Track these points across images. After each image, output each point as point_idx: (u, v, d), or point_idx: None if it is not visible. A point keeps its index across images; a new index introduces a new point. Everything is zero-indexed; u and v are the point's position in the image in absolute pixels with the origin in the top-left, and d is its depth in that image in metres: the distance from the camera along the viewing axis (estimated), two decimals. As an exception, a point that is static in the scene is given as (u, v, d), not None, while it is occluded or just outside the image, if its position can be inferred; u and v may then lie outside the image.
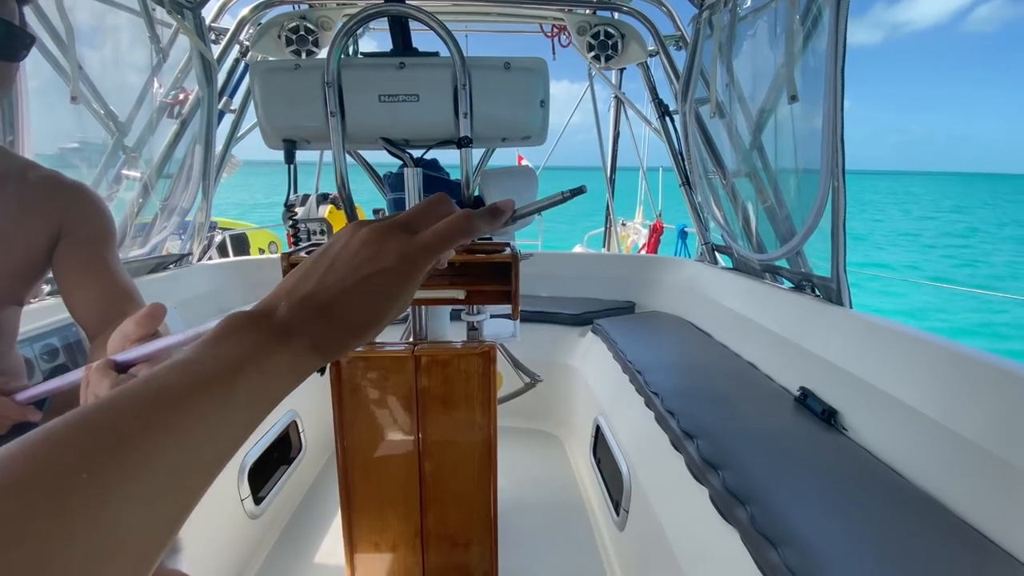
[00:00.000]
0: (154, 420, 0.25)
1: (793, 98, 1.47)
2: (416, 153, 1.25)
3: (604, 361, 1.96)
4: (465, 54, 1.12)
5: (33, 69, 1.61)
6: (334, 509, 1.34)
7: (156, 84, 2.08)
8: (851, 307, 1.45)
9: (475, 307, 1.30)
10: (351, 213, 1.27)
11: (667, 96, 2.42)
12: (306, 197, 4.03)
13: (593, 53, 2.32)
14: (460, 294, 1.13)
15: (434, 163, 1.31)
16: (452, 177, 1.32)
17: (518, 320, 1.48)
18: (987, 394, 0.97)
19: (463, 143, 1.15)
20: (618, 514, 1.49)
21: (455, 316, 1.37)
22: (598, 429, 1.80)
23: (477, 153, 1.41)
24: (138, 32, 1.97)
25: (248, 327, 0.33)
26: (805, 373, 1.45)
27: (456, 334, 1.38)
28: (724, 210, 2.12)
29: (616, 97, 3.73)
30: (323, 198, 4.12)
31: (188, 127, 2.16)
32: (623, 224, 4.99)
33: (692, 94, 2.11)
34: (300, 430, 1.86)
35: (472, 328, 1.29)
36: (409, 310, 1.35)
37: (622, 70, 3.63)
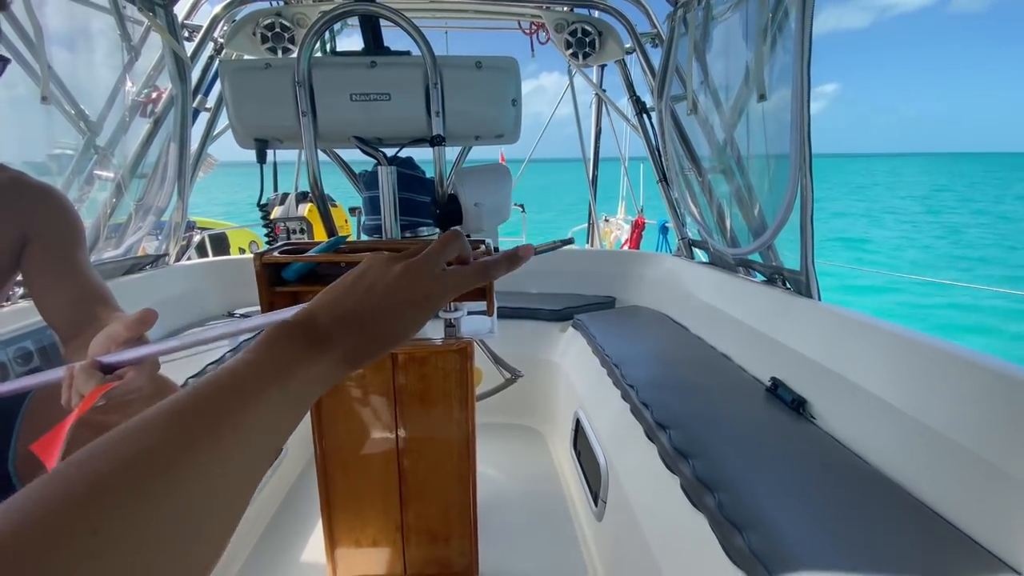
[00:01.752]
0: (235, 408, 0.31)
1: (762, 97, 1.50)
2: (390, 152, 1.25)
3: (584, 355, 1.98)
4: (446, 52, 1.13)
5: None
6: (315, 507, 1.35)
7: (128, 83, 2.05)
8: (819, 299, 1.49)
9: (452, 304, 1.31)
10: (324, 211, 1.28)
11: (645, 93, 2.44)
12: (285, 196, 4.00)
13: (571, 51, 2.33)
14: (435, 291, 1.14)
15: (409, 161, 1.31)
16: (428, 175, 1.33)
17: (495, 316, 1.49)
18: (952, 384, 1.00)
19: (436, 141, 1.16)
20: (596, 505, 1.52)
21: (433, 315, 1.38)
22: (578, 422, 1.83)
23: (452, 151, 1.42)
24: (108, 30, 1.94)
25: (295, 335, 0.38)
26: (776, 364, 1.49)
27: (434, 332, 1.39)
28: (700, 206, 2.16)
29: (596, 95, 3.75)
30: (302, 196, 4.09)
31: (162, 126, 2.13)
32: (606, 220, 5.02)
33: (668, 91, 2.13)
34: None
35: (449, 325, 1.30)
36: None
37: (603, 67, 3.66)
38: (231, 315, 2.29)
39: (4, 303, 1.65)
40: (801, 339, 1.43)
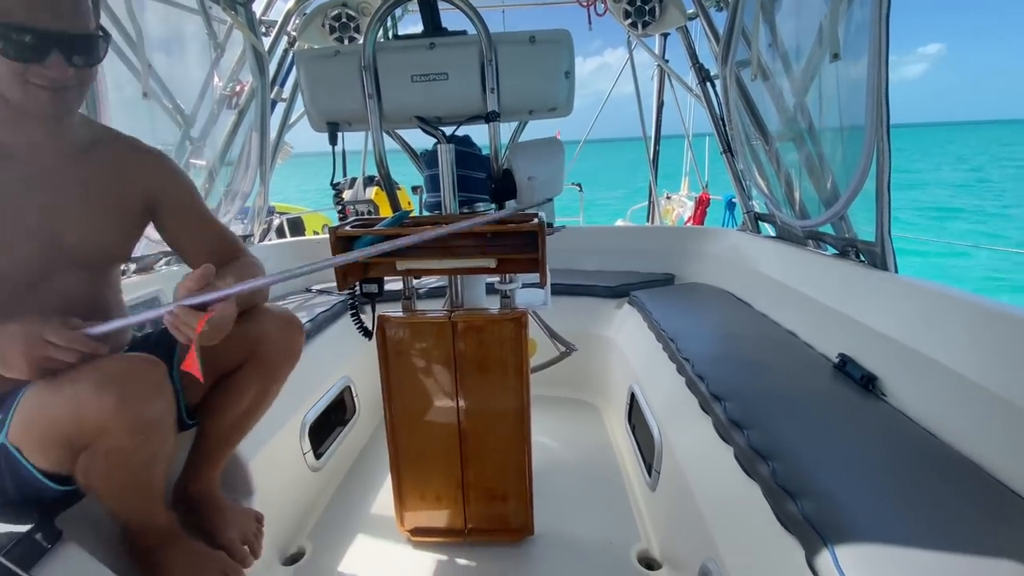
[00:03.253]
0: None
1: (835, 56, 1.41)
2: (448, 130, 1.31)
3: (639, 331, 1.98)
4: (502, 30, 1.16)
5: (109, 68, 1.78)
6: (385, 465, 1.46)
7: (215, 78, 2.25)
8: (896, 271, 1.41)
9: (507, 276, 1.36)
10: (389, 189, 1.36)
11: (709, 61, 2.34)
12: (354, 180, 4.22)
13: (630, 20, 2.28)
14: (491, 263, 1.19)
15: (466, 139, 1.37)
16: (484, 152, 1.38)
17: (548, 288, 1.53)
18: None
19: (490, 117, 1.20)
20: (650, 475, 1.54)
21: (490, 290, 1.44)
22: (632, 396, 1.84)
23: (508, 128, 1.46)
24: (198, 31, 2.13)
25: None
26: (845, 340, 1.42)
27: (491, 305, 1.45)
28: (767, 176, 2.06)
29: (659, 65, 3.62)
30: (369, 180, 4.30)
31: (245, 117, 2.32)
32: (667, 197, 4.87)
33: (733, 56, 2.04)
34: (354, 395, 2.01)
35: (504, 296, 1.36)
36: (447, 280, 1.43)
37: (665, 36, 3.52)
38: (309, 291, 2.48)
39: (151, 269, 1.89)
40: (874, 314, 1.36)
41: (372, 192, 4.25)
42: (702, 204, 4.25)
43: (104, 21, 1.66)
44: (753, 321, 1.81)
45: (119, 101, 1.86)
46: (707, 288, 2.27)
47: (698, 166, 4.61)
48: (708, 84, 2.34)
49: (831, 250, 1.73)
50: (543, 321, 1.87)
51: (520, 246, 1.18)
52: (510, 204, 1.42)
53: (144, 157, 1.06)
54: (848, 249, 1.60)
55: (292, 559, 1.43)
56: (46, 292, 0.94)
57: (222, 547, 1.11)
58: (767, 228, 2.32)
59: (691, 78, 2.51)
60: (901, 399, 1.20)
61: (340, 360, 2.01)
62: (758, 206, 2.38)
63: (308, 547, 1.47)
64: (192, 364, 0.75)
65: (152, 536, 1.00)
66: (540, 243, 1.12)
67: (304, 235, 5.25)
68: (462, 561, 1.41)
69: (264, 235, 2.73)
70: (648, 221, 4.18)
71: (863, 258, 1.54)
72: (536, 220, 1.13)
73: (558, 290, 2.26)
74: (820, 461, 0.98)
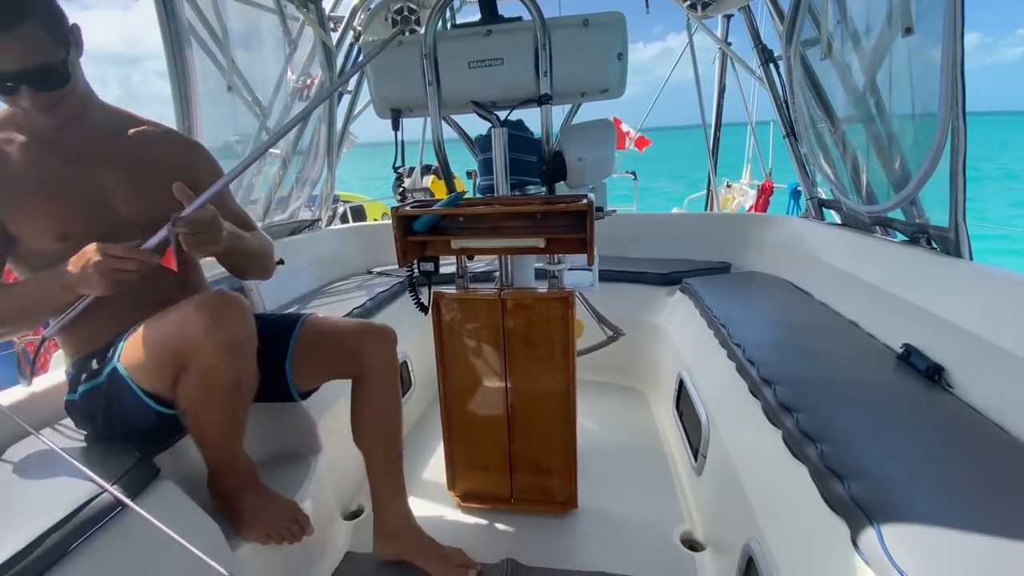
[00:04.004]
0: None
1: (908, 31, 1.34)
2: (502, 114, 1.36)
3: (691, 319, 1.96)
4: (559, 13, 1.20)
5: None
6: (438, 434, 1.55)
7: (289, 72, 2.41)
8: (971, 258, 1.32)
9: (556, 257, 1.40)
10: (446, 170, 1.43)
11: (773, 42, 2.26)
12: (411, 169, 4.38)
13: (689, 2, 2.23)
14: (540, 243, 1.24)
15: (519, 123, 1.41)
16: (536, 136, 1.42)
17: (596, 270, 1.56)
18: None
19: (543, 100, 1.24)
20: (696, 460, 1.54)
21: (539, 274, 1.49)
22: (681, 383, 1.83)
23: (561, 112, 1.49)
24: (272, 26, 2.30)
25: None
26: (911, 329, 1.36)
27: (540, 287, 1.50)
28: (832, 161, 1.97)
29: (721, 48, 3.50)
30: (426, 169, 4.45)
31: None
32: (728, 185, 4.70)
33: (798, 35, 1.96)
34: (410, 369, 2.13)
35: (552, 277, 1.40)
36: (498, 260, 1.49)
37: (728, 18, 3.40)
38: (369, 272, 2.63)
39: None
40: (945, 303, 1.29)
41: (428, 180, 4.41)
42: (765, 192, 4.08)
43: (192, 20, 1.83)
44: (812, 310, 1.75)
45: (205, 94, 2.04)
46: (764, 277, 2.20)
47: (761, 153, 4.42)
48: (771, 66, 2.25)
49: (900, 237, 1.64)
50: (591, 305, 1.90)
51: (569, 226, 1.22)
52: (560, 187, 1.45)
53: (180, 142, 1.20)
54: (919, 235, 1.52)
55: (352, 515, 1.56)
56: None
57: None
58: (832, 215, 2.22)
59: (754, 60, 2.42)
60: (969, 391, 1.14)
61: (397, 337, 2.12)
62: (823, 193, 2.28)
63: (367, 505, 1.59)
64: (169, 259, 0.92)
65: (232, 479, 1.13)
66: (588, 223, 1.15)
67: (365, 221, 5.52)
68: (508, 527, 1.48)
69: (330, 221, 2.91)
70: (706, 210, 4.06)
71: (935, 245, 1.46)
72: (585, 200, 1.16)
73: (608, 276, 2.27)
74: (873, 446, 0.96)
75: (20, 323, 1.03)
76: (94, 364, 1.05)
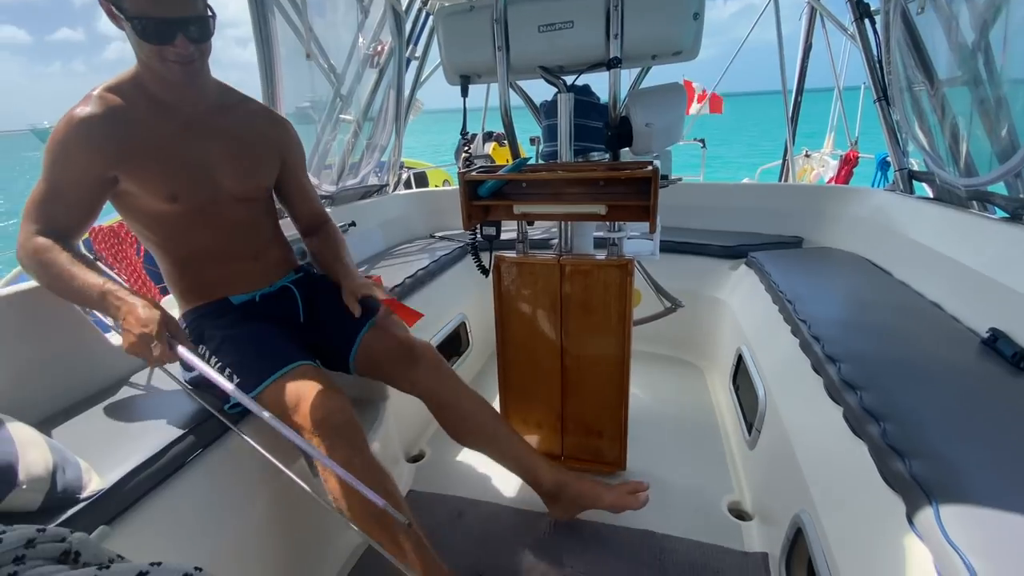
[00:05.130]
0: None
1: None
2: (569, 79, 1.36)
3: (755, 294, 1.90)
4: None
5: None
6: (494, 391, 1.64)
7: (360, 39, 2.48)
8: None
9: (616, 225, 1.40)
10: (512, 138, 1.46)
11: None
12: (473, 136, 4.41)
13: (775, -47, 2.07)
14: (601, 209, 1.25)
15: (586, 88, 1.40)
16: (603, 102, 1.41)
17: (657, 239, 1.54)
18: None
19: (612, 64, 1.22)
20: (750, 434, 1.53)
21: (599, 244, 1.50)
22: (740, 358, 1.80)
23: (629, 77, 1.46)
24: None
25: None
26: (1001, 314, 1.26)
27: (598, 249, 1.52)
28: (929, 128, 1.81)
29: (809, 4, 3.22)
30: (488, 136, 4.47)
31: (384, 75, 2.55)
32: (807, 155, 4.37)
33: (899, -12, 1.78)
34: (468, 330, 2.22)
35: (612, 244, 1.41)
36: (558, 226, 1.52)
37: (820, -31, 3.10)
38: (432, 236, 2.73)
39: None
40: None
41: (490, 147, 4.43)
42: (848, 163, 3.78)
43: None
44: (889, 289, 1.65)
45: (286, 60, 2.15)
46: (840, 253, 2.08)
47: (847, 120, 4.08)
48: (866, 21, 2.06)
49: (1000, 213, 1.50)
50: (650, 276, 1.89)
51: (631, 194, 1.22)
52: (624, 155, 1.44)
53: (275, 119, 1.31)
54: (1021, 211, 1.39)
55: (415, 459, 1.69)
56: (215, 217, 1.18)
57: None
58: (923, 189, 2.04)
59: (847, 16, 2.22)
60: None
61: (457, 299, 2.22)
62: (915, 164, 2.09)
63: (428, 451, 1.71)
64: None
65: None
66: (652, 190, 1.15)
67: (427, 187, 5.66)
68: None
69: (396, 186, 3.02)
70: (780, 181, 3.83)
71: (1041, 222, 1.33)
72: (650, 167, 1.15)
73: (669, 247, 2.23)
74: (942, 428, 0.93)
75: (70, 295, 1.08)
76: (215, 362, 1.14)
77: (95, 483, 0.89)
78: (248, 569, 1.06)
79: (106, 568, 0.54)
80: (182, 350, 1.00)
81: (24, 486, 0.81)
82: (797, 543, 1.13)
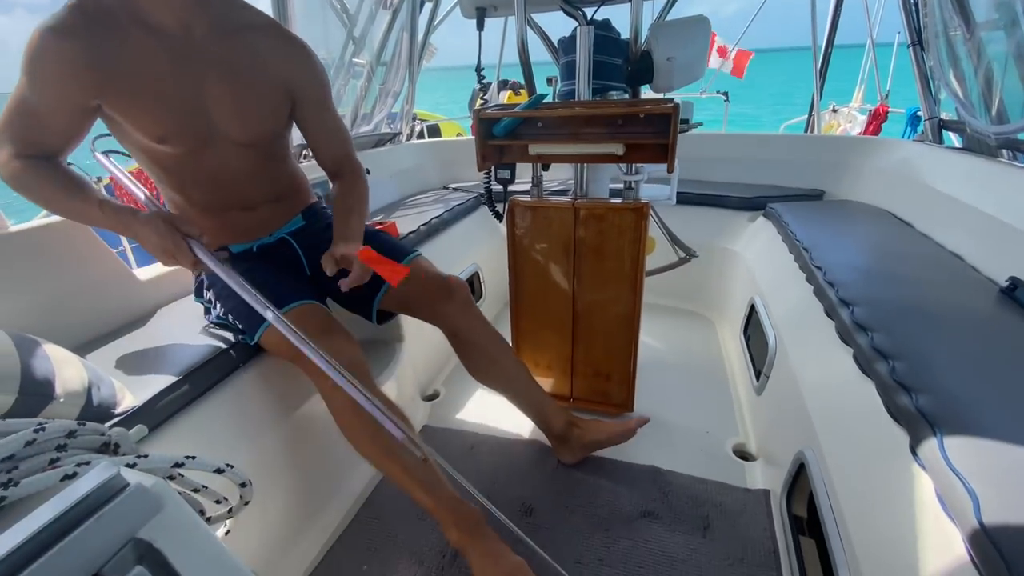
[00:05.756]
0: None
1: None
2: (589, 12, 1.31)
3: (772, 245, 1.88)
4: None
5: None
6: (507, 335, 1.66)
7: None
8: None
9: (633, 167, 1.38)
10: (528, 74, 1.42)
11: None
12: (488, 85, 4.31)
13: None
14: (619, 149, 1.23)
15: (606, 23, 1.35)
16: (623, 38, 1.36)
17: (675, 183, 1.52)
18: None
19: (634, -6, 1.17)
20: (758, 380, 1.55)
21: (615, 194, 1.48)
22: (752, 308, 1.80)
23: (652, 11, 1.40)
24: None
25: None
26: (1022, 263, 1.24)
27: (614, 192, 1.50)
28: (962, 75, 1.73)
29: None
30: (503, 84, 4.35)
31: (397, 17, 2.48)
32: (833, 110, 4.21)
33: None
34: (481, 280, 2.24)
35: (628, 188, 1.39)
36: (573, 172, 1.50)
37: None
38: (445, 188, 2.71)
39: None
40: None
41: (505, 96, 4.33)
42: (877, 118, 3.63)
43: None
44: (909, 240, 1.63)
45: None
46: (861, 206, 2.04)
47: (879, 73, 3.89)
48: (906, -41, 1.94)
49: (1031, 161, 1.45)
50: (665, 225, 1.87)
51: (650, 132, 1.19)
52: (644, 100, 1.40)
53: (290, 49, 1.08)
54: (1055, 158, 1.34)
55: (429, 397, 1.74)
56: (210, 160, 1.05)
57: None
58: (951, 140, 1.97)
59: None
60: None
61: (470, 249, 2.22)
62: (946, 115, 2.01)
63: (442, 390, 1.77)
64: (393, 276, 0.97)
65: (450, 532, 1.07)
66: (672, 127, 1.12)
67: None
68: None
69: (409, 136, 2.99)
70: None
71: (1075, 170, 1.28)
72: (671, 103, 1.13)
73: (686, 199, 2.20)
74: (952, 368, 0.93)
75: (70, 217, 1.02)
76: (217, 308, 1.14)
77: (128, 400, 0.94)
78: (263, 499, 1.12)
79: (144, 457, 0.58)
80: (200, 254, 0.92)
81: (61, 399, 0.86)
82: (799, 479, 1.16)
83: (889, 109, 3.58)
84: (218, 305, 1.14)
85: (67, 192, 0.95)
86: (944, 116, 2.00)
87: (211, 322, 1.22)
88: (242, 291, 0.87)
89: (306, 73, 1.11)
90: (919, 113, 3.48)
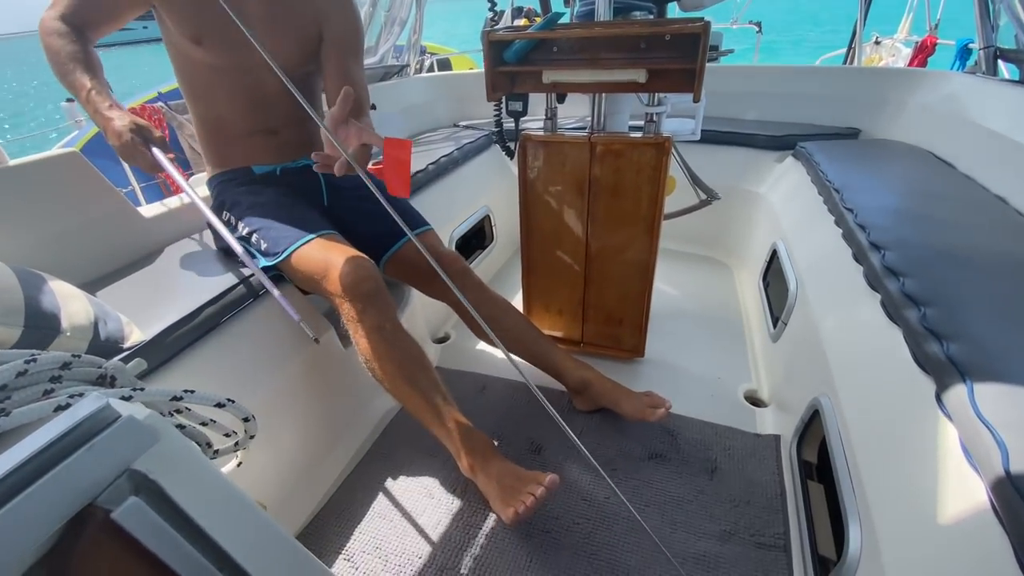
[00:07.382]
0: None
1: None
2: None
3: (800, 186, 1.78)
4: None
5: None
6: (518, 280, 1.63)
7: None
8: None
9: (655, 98, 1.28)
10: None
11: None
12: (501, 13, 4.04)
13: None
14: (641, 76, 1.13)
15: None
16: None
17: (700, 116, 1.42)
18: None
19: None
20: (775, 327, 1.51)
21: (634, 130, 1.39)
22: (774, 254, 1.73)
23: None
24: None
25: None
26: None
27: (634, 124, 1.41)
28: (1032, -7, 1.54)
29: None
30: (518, 12, 4.09)
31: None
32: (876, 41, 3.88)
33: None
34: (492, 223, 2.19)
35: (650, 121, 1.30)
36: (589, 99, 1.39)
37: None
38: (456, 126, 2.60)
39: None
40: None
41: (520, 24, 4.08)
42: (924, 51, 3.35)
43: None
44: (950, 181, 1.52)
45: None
46: (900, 145, 1.90)
47: (930, 2, 3.55)
48: None
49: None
50: (687, 165, 1.77)
51: (676, 57, 1.09)
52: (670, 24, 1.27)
53: None
54: None
55: (440, 340, 1.74)
56: (244, 76, 1.13)
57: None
58: (1004, 73, 1.80)
59: None
60: None
61: (481, 190, 2.15)
62: (1003, 41, 1.83)
63: (453, 334, 1.76)
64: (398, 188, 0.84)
65: (464, 459, 1.08)
66: (701, 50, 1.02)
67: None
68: None
69: (418, 70, 2.84)
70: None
71: None
72: (700, 22, 1.02)
73: (710, 138, 2.07)
74: (987, 315, 0.87)
75: (70, 88, 1.09)
76: (242, 228, 1.15)
77: (136, 335, 0.93)
78: (281, 430, 1.14)
79: (140, 390, 0.56)
80: (157, 153, 1.04)
81: (68, 333, 0.85)
82: (812, 425, 1.15)
83: (938, 41, 3.28)
84: (240, 224, 1.15)
85: (78, 65, 1.03)
86: (999, 44, 1.82)
87: (220, 248, 1.22)
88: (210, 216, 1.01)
89: (339, 13, 1.16)
90: (971, 45, 3.19)
